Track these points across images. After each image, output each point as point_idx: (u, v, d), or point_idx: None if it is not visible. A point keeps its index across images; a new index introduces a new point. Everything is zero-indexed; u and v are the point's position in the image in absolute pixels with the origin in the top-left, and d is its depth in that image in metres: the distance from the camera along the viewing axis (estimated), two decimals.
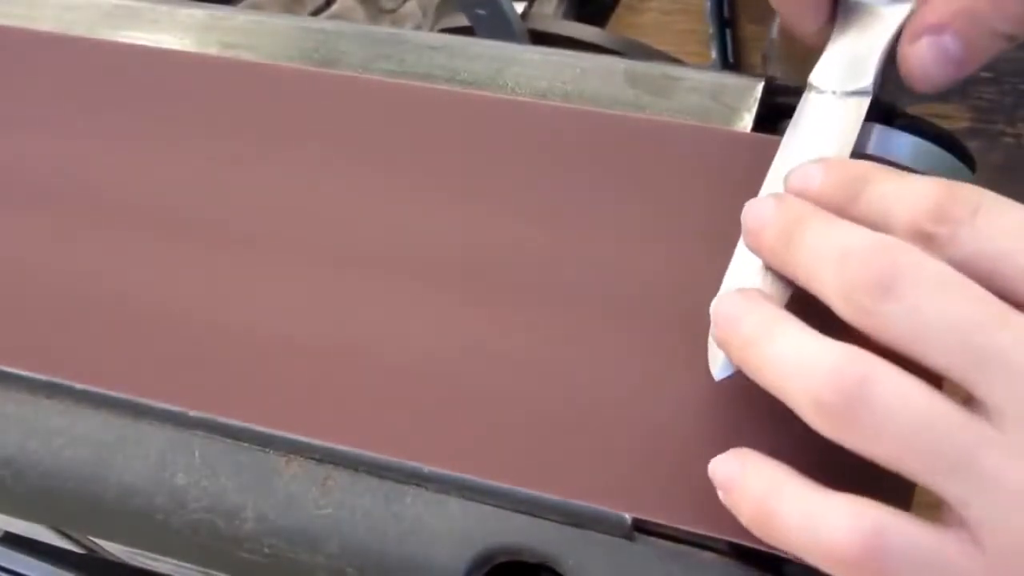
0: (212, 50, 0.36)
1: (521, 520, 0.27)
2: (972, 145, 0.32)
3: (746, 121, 0.32)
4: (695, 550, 0.26)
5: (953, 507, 0.23)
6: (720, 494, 0.25)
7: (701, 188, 0.30)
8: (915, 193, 0.25)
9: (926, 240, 0.24)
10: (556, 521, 0.27)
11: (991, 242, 0.24)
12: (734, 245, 0.29)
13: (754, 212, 0.27)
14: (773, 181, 0.29)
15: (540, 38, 0.43)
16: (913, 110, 0.31)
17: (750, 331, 0.25)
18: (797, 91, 0.31)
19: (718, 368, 0.27)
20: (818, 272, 0.25)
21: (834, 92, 0.30)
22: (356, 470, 0.28)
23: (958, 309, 0.23)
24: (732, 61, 0.58)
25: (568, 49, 0.36)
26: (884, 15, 0.30)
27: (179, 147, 0.34)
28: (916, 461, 0.23)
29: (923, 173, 0.30)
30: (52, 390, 0.31)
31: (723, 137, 0.31)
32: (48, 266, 0.32)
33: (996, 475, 0.22)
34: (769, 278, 0.27)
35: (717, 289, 0.29)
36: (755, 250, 0.27)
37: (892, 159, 0.30)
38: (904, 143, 0.30)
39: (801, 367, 0.24)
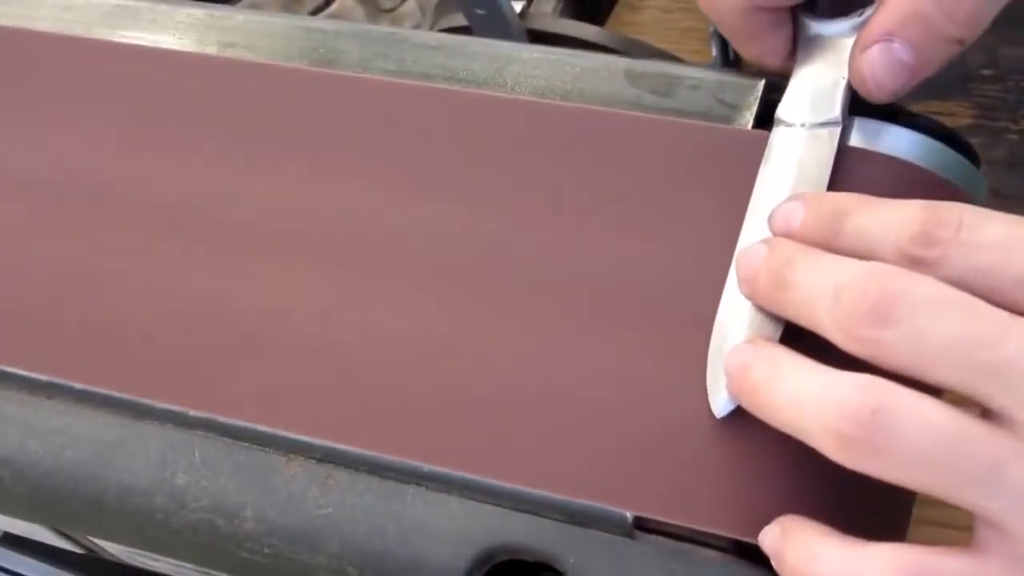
0: (211, 50, 0.36)
1: (522, 519, 0.27)
2: (975, 142, 0.32)
3: (747, 119, 0.32)
4: (696, 548, 0.26)
5: (989, 522, 0.23)
6: (773, 564, 0.25)
7: (702, 186, 0.30)
8: (897, 219, 0.25)
9: (915, 264, 0.24)
10: (557, 520, 0.27)
11: (980, 256, 0.24)
12: (734, 243, 0.29)
13: (745, 260, 0.27)
14: (753, 219, 0.29)
15: (539, 37, 0.43)
16: (916, 108, 0.31)
17: (761, 376, 0.25)
18: None
19: (720, 406, 0.27)
20: (814, 310, 0.25)
21: (803, 125, 0.30)
22: (356, 469, 0.28)
23: (958, 326, 0.23)
24: (733, 59, 0.58)
25: (567, 48, 0.36)
26: (845, 45, 0.30)
27: (178, 146, 0.34)
28: (943, 481, 0.23)
29: (927, 170, 0.30)
30: (52, 390, 0.31)
31: (724, 135, 0.31)
32: (47, 266, 0.32)
33: None
34: (759, 317, 0.27)
35: (719, 286, 0.29)
36: (751, 297, 0.27)
37: (896, 156, 0.30)
38: (907, 140, 0.30)
39: (816, 404, 0.24)
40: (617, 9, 0.55)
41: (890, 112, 0.30)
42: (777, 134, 0.30)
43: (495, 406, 0.28)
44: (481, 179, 0.32)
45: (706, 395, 0.27)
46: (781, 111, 0.31)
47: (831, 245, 0.26)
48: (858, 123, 0.30)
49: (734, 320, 0.28)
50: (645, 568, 0.26)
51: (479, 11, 0.41)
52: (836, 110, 0.30)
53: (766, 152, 0.30)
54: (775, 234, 0.28)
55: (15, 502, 0.31)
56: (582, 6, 0.49)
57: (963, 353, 0.23)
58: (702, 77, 0.33)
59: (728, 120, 0.32)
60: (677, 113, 0.32)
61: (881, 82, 0.29)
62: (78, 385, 0.30)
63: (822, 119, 0.30)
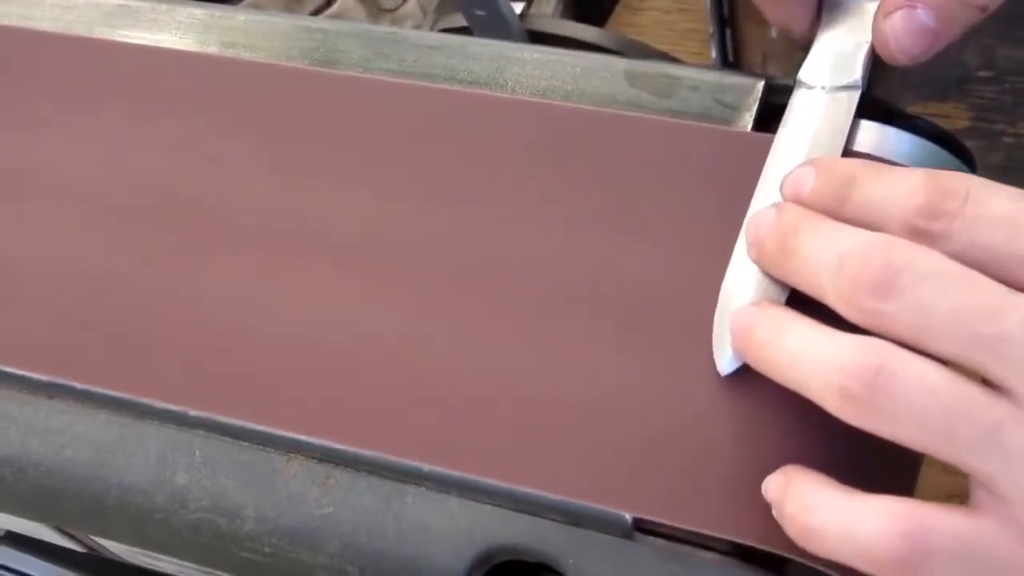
0: (212, 49, 0.36)
1: (521, 519, 0.27)
2: (972, 144, 0.32)
3: (746, 120, 0.32)
4: (695, 550, 0.26)
5: (983, 485, 0.23)
6: (774, 513, 0.26)
7: (701, 187, 0.30)
8: (904, 190, 0.25)
9: (921, 236, 0.25)
10: (556, 520, 0.27)
11: (985, 231, 0.24)
12: (734, 244, 0.29)
13: (754, 225, 0.28)
14: (767, 181, 0.29)
15: (539, 38, 0.43)
16: (913, 110, 0.32)
17: (764, 334, 0.26)
18: None
19: (724, 363, 0.27)
20: (818, 279, 0.25)
21: (823, 88, 0.30)
22: (357, 469, 0.28)
23: (960, 299, 0.23)
24: (732, 60, 0.58)
25: (567, 49, 0.36)
26: (868, 9, 0.31)
27: (179, 146, 0.34)
28: (941, 441, 0.23)
29: None
30: (53, 390, 0.31)
31: (723, 136, 0.31)
32: (48, 266, 0.32)
33: (1021, 448, 0.23)
34: (765, 280, 0.28)
35: (718, 288, 0.29)
36: (758, 262, 0.28)
37: (892, 159, 0.30)
38: (904, 143, 0.30)
39: (818, 361, 0.24)
40: (617, 10, 0.55)
41: (887, 114, 0.31)
42: (798, 96, 0.31)
43: (495, 407, 0.28)
44: (481, 179, 0.32)
45: (707, 396, 0.28)
46: (803, 73, 0.31)
47: (839, 213, 0.26)
48: (856, 125, 0.30)
49: (741, 283, 0.28)
50: (644, 569, 0.26)
51: (479, 12, 0.41)
52: (857, 73, 0.30)
53: (785, 113, 0.31)
54: (785, 199, 0.28)
55: (16, 501, 0.31)
56: (582, 7, 0.49)
57: (963, 326, 0.23)
58: (702, 78, 0.33)
59: (728, 121, 0.32)
60: (677, 114, 0.32)
61: (904, 46, 0.29)
62: (79, 385, 0.30)
63: (842, 82, 0.30)
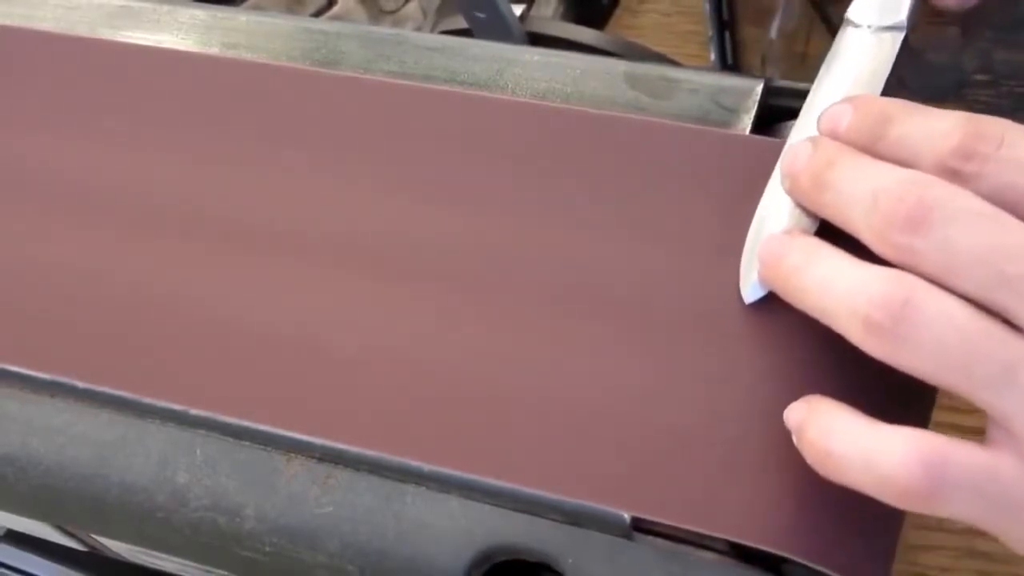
0: (214, 50, 0.36)
1: (521, 519, 0.27)
2: None
3: (745, 122, 0.32)
4: (694, 549, 0.26)
5: (999, 422, 0.24)
6: (794, 440, 0.26)
7: (700, 189, 0.31)
8: (940, 130, 0.26)
9: (953, 176, 0.25)
10: (556, 520, 0.27)
11: (1018, 174, 0.25)
12: (734, 245, 0.29)
13: (790, 157, 0.28)
14: (807, 116, 0.30)
15: (539, 40, 0.43)
16: None
17: (794, 261, 0.27)
18: (796, 92, 0.31)
19: (748, 290, 0.28)
20: (851, 213, 0.26)
21: (869, 27, 0.31)
22: (357, 469, 0.29)
23: (989, 240, 0.24)
24: (731, 63, 0.58)
25: (567, 51, 0.36)
26: None
27: (180, 146, 0.34)
28: (960, 376, 0.24)
29: None
30: (54, 389, 0.31)
31: (722, 139, 0.31)
32: (48, 265, 0.33)
33: None
34: (797, 212, 0.28)
35: (716, 289, 0.29)
36: (791, 194, 0.28)
37: None
38: None
39: (847, 290, 0.25)
40: (617, 13, 0.55)
41: None
42: (843, 34, 0.31)
43: (495, 407, 0.28)
44: (481, 180, 0.32)
45: (706, 395, 0.28)
46: (851, 12, 0.32)
47: (874, 150, 0.27)
48: None
49: (773, 212, 0.29)
50: (643, 569, 0.26)
51: (480, 14, 0.41)
52: (903, 14, 0.31)
53: (831, 50, 0.31)
54: (822, 134, 0.28)
55: (18, 500, 0.31)
56: (582, 10, 0.50)
57: (990, 265, 0.24)
58: (701, 80, 0.33)
59: (727, 123, 0.32)
60: (676, 116, 0.32)
61: None
62: (80, 384, 0.30)
63: (888, 22, 0.31)
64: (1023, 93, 0.48)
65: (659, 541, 0.27)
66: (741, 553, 0.26)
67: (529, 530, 0.27)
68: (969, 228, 0.24)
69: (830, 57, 0.31)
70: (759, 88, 0.32)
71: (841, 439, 0.25)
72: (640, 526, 0.27)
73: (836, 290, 0.25)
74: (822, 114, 0.29)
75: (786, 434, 0.27)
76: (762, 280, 0.28)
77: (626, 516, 0.26)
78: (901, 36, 0.31)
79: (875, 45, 0.31)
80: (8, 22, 0.38)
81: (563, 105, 0.33)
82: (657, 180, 0.31)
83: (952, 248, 0.24)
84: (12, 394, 0.31)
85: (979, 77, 0.48)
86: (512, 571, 0.28)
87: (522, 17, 0.44)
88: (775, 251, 0.27)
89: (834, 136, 0.28)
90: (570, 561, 0.27)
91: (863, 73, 0.30)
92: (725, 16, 0.57)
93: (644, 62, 0.35)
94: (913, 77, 0.37)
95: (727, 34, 0.58)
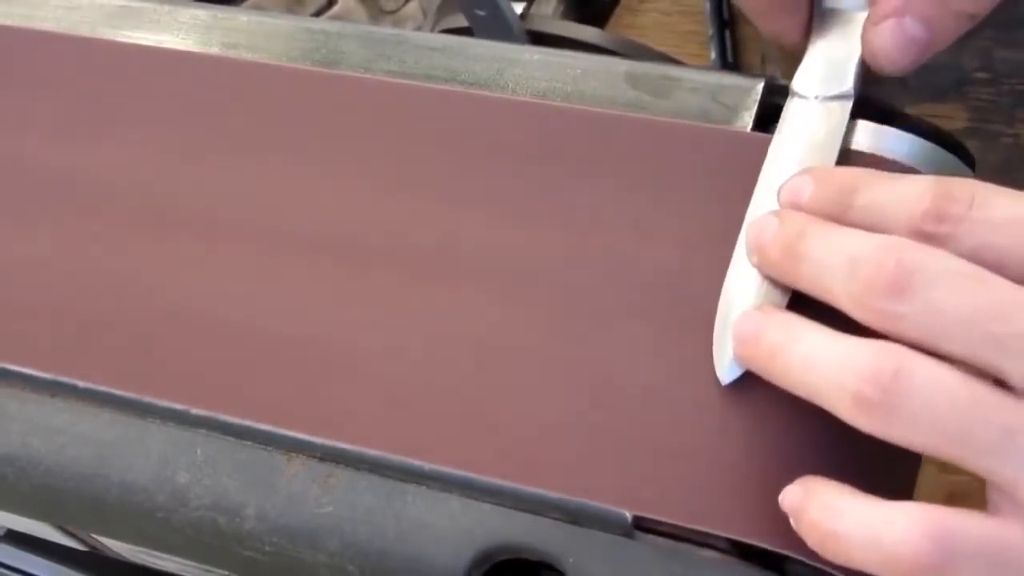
0: (214, 50, 0.36)
1: (522, 518, 0.27)
2: (970, 145, 0.32)
3: (745, 121, 0.32)
4: (696, 548, 0.26)
5: (1001, 489, 0.23)
6: (792, 523, 0.25)
7: (701, 187, 0.31)
8: (909, 195, 0.25)
9: (927, 239, 0.25)
10: (556, 519, 0.27)
11: (992, 234, 0.24)
12: (734, 243, 0.29)
13: (755, 231, 0.28)
14: (763, 190, 0.30)
15: (539, 39, 0.43)
16: (911, 110, 0.32)
17: (775, 340, 0.26)
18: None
19: (724, 371, 0.27)
20: (828, 282, 0.25)
21: (816, 97, 0.31)
22: (357, 468, 0.29)
23: (973, 300, 0.23)
24: (731, 62, 0.58)
25: (568, 50, 0.36)
26: (858, 19, 0.31)
27: (181, 146, 0.34)
28: (958, 446, 0.23)
29: (923, 173, 0.30)
30: (55, 388, 0.31)
31: (723, 137, 0.31)
32: (49, 265, 0.33)
33: None
34: (766, 285, 0.28)
35: (717, 287, 0.29)
36: (760, 267, 0.28)
37: (893, 158, 0.30)
38: (903, 143, 0.30)
39: (832, 365, 0.24)
40: (617, 12, 0.55)
41: (886, 114, 0.31)
42: (791, 106, 0.31)
43: (496, 406, 0.28)
44: (482, 179, 0.32)
45: (706, 393, 0.28)
46: (795, 83, 0.31)
47: (843, 219, 0.26)
48: (855, 126, 0.30)
49: (742, 289, 0.28)
50: (644, 568, 0.26)
51: (480, 13, 0.41)
52: (849, 83, 0.30)
53: (779, 123, 0.31)
54: (783, 207, 0.28)
55: (18, 500, 0.31)
56: (582, 8, 0.50)
57: (977, 325, 0.23)
58: (701, 79, 0.33)
59: (727, 122, 0.32)
60: (677, 115, 0.32)
61: (893, 57, 0.30)
62: (81, 383, 0.30)
63: (835, 92, 0.30)
64: (1023, 91, 0.48)
65: (660, 540, 0.27)
66: (743, 551, 0.26)
67: (530, 529, 0.27)
68: (952, 289, 0.23)
69: (779, 128, 0.31)
70: (759, 87, 0.32)
71: (844, 519, 0.24)
72: (641, 525, 0.27)
73: (821, 367, 0.24)
74: (782, 187, 0.28)
75: (787, 433, 0.27)
76: (739, 359, 0.27)
77: (627, 515, 0.26)
78: (850, 104, 0.30)
79: (824, 115, 0.30)
80: (8, 22, 0.38)
81: (564, 104, 0.33)
82: (658, 178, 0.31)
83: (937, 311, 0.23)
84: (12, 394, 0.31)
85: (979, 75, 0.48)
86: (513, 570, 0.28)
87: (522, 15, 0.44)
88: (751, 329, 0.26)
89: (797, 208, 0.27)
90: (571, 560, 0.27)
91: (815, 144, 0.30)
92: (725, 15, 0.57)
93: (645, 61, 0.35)
94: (913, 76, 0.37)
95: (727, 33, 0.58)
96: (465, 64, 0.34)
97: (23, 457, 0.30)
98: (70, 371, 0.31)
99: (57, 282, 0.32)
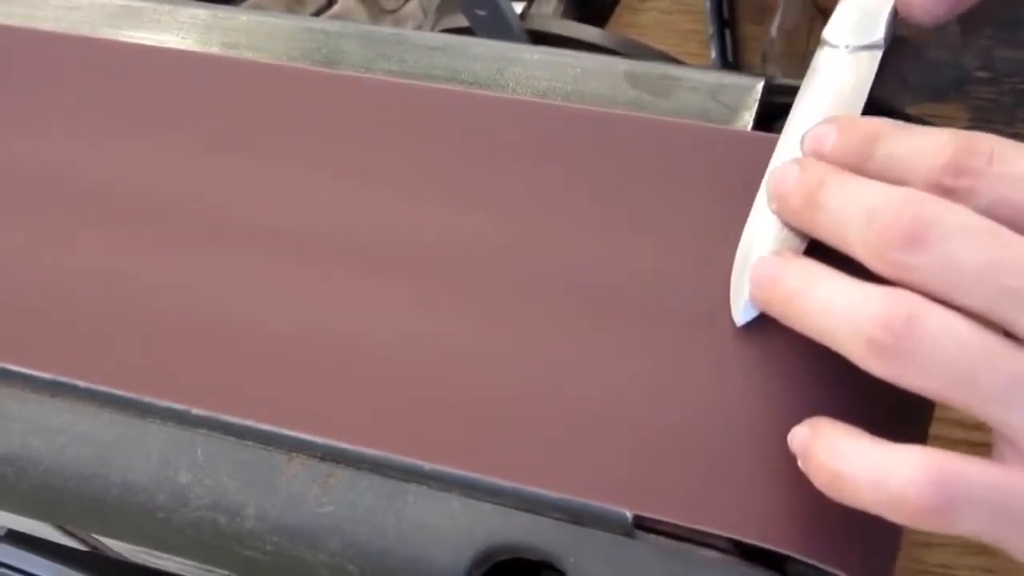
0: (214, 50, 0.36)
1: (522, 518, 0.27)
2: None
3: (746, 120, 0.32)
4: (696, 548, 0.26)
5: (1006, 436, 0.24)
6: (799, 463, 0.26)
7: (701, 186, 0.31)
8: (929, 148, 0.26)
9: (946, 193, 0.25)
10: (557, 519, 0.27)
11: (1010, 189, 0.25)
12: (734, 242, 0.29)
13: (776, 178, 0.28)
14: (788, 137, 0.30)
15: (540, 38, 0.43)
16: (912, 110, 0.32)
17: (792, 283, 0.26)
18: (796, 90, 0.31)
19: (739, 313, 0.28)
20: (845, 232, 0.26)
21: (846, 47, 0.31)
22: (358, 468, 0.29)
23: (987, 254, 0.24)
24: (731, 61, 0.58)
25: (567, 49, 0.36)
26: None
27: (181, 146, 0.34)
28: (966, 392, 0.24)
29: None
30: (55, 388, 0.31)
31: (723, 136, 0.31)
32: (50, 265, 0.33)
33: None
34: (785, 231, 0.28)
35: (718, 285, 0.29)
36: (781, 215, 0.28)
37: None
38: None
39: (848, 310, 0.25)
40: (617, 11, 0.55)
41: (887, 114, 0.31)
42: (821, 55, 0.31)
43: (496, 405, 0.28)
44: (482, 179, 0.32)
45: (707, 393, 0.28)
46: (826, 32, 0.31)
47: (861, 169, 0.27)
48: None
49: (761, 234, 0.29)
50: (645, 567, 0.26)
51: (480, 12, 0.41)
52: (880, 33, 0.31)
53: (808, 72, 0.31)
54: (806, 155, 0.28)
55: (18, 500, 0.31)
56: (583, 8, 0.50)
57: (989, 279, 0.24)
58: (702, 78, 0.33)
59: (727, 121, 0.32)
60: (677, 114, 0.32)
61: (927, 7, 0.30)
62: (81, 383, 0.30)
63: (865, 42, 0.31)
64: None
65: (661, 539, 0.27)
66: (743, 551, 0.26)
67: (530, 529, 0.27)
68: (967, 243, 0.24)
69: (808, 77, 0.31)
70: (759, 86, 0.32)
71: (849, 460, 0.24)
72: (642, 524, 0.27)
73: (837, 311, 0.25)
74: (805, 135, 0.28)
75: (788, 432, 0.26)
76: (755, 302, 0.28)
77: (628, 514, 0.26)
78: (879, 55, 0.30)
79: (853, 65, 0.30)
80: (9, 22, 0.38)
81: (564, 103, 0.33)
82: (658, 177, 0.31)
83: (951, 264, 0.24)
84: (13, 394, 0.31)
85: (980, 74, 0.48)
86: (513, 570, 0.28)
87: (523, 15, 0.44)
88: (769, 273, 0.27)
89: (819, 157, 0.28)
90: (572, 560, 0.27)
91: (843, 93, 0.30)
92: (725, 14, 0.57)
93: (645, 60, 0.35)
94: (914, 75, 0.37)
95: (727, 32, 0.58)
96: (465, 63, 0.34)
97: (23, 457, 0.30)
98: (70, 371, 0.31)
99: (57, 282, 0.32)
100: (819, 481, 0.25)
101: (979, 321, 0.24)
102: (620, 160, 0.31)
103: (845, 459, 0.24)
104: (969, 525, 0.24)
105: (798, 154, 0.29)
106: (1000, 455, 0.24)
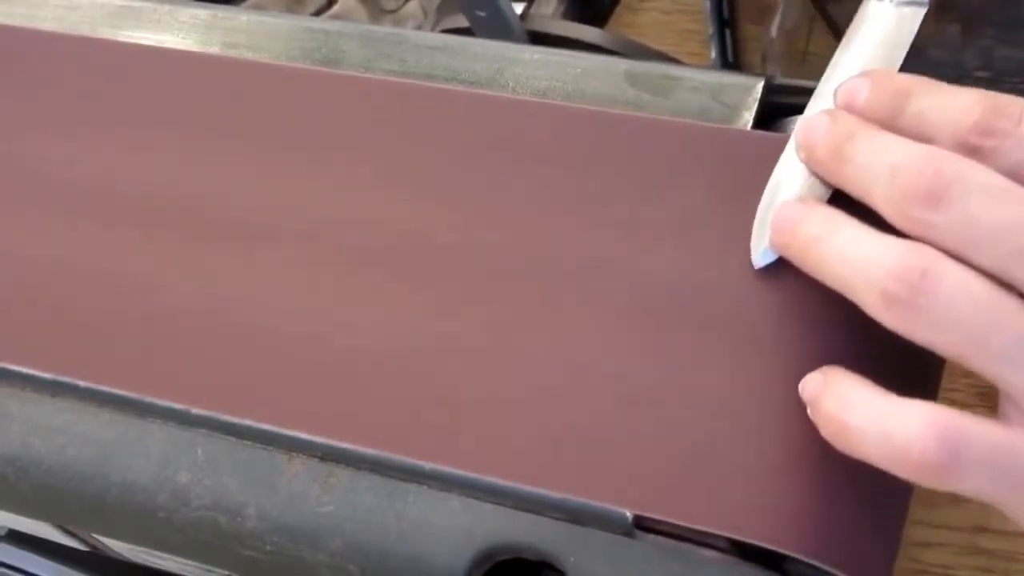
0: (214, 50, 0.36)
1: (522, 518, 0.27)
2: None
3: (746, 120, 0.32)
4: (696, 548, 0.26)
5: (1012, 397, 0.24)
6: (808, 411, 0.26)
7: (701, 186, 0.31)
8: (958, 106, 0.26)
9: (972, 152, 0.25)
10: (557, 519, 0.27)
11: None
12: (734, 242, 0.29)
13: (806, 128, 0.28)
14: (825, 88, 0.30)
15: (540, 39, 0.43)
16: None
17: (813, 230, 0.27)
18: (796, 90, 0.31)
19: (759, 256, 0.28)
20: (869, 185, 0.26)
21: (891, 1, 0.31)
22: (358, 468, 0.29)
23: (1006, 215, 0.24)
24: (731, 61, 0.58)
25: (568, 50, 0.36)
26: None
27: (182, 146, 0.34)
28: (975, 348, 0.24)
29: None
30: (55, 388, 0.31)
31: (723, 136, 0.31)
32: (49, 264, 0.33)
33: None
34: (811, 179, 0.28)
35: (719, 285, 0.29)
36: (808, 164, 0.28)
37: None
38: None
39: (865, 261, 0.25)
40: (617, 11, 0.55)
41: None
42: (865, 9, 0.31)
43: (496, 405, 0.28)
44: (482, 178, 0.32)
45: (707, 393, 0.28)
46: None
47: (892, 125, 0.27)
48: None
49: (788, 179, 0.29)
50: (645, 567, 0.26)
51: (480, 13, 0.41)
52: None
53: (852, 24, 0.31)
54: (839, 107, 0.28)
55: (19, 499, 0.31)
56: (582, 8, 0.50)
57: (1006, 239, 0.24)
58: (702, 78, 0.33)
59: (727, 121, 0.32)
60: (677, 114, 0.32)
61: None
62: (81, 383, 0.30)
63: None
64: None
65: (661, 539, 0.27)
66: (743, 551, 0.26)
67: (531, 529, 0.27)
68: (987, 203, 0.24)
69: (850, 30, 0.31)
70: (759, 86, 0.32)
71: (857, 411, 0.25)
72: (642, 524, 0.27)
73: (854, 261, 0.25)
74: (839, 87, 0.29)
75: (788, 432, 0.27)
76: (775, 247, 0.28)
77: (628, 514, 0.26)
78: (922, 12, 0.31)
79: (895, 20, 0.31)
80: (9, 22, 0.38)
81: (564, 103, 0.33)
82: (658, 177, 0.31)
83: (970, 223, 0.24)
84: (13, 394, 0.31)
85: (980, 74, 0.48)
86: (514, 570, 0.28)
87: (523, 15, 0.44)
88: (791, 218, 0.27)
89: (851, 110, 0.28)
90: (572, 560, 0.27)
91: (882, 48, 0.30)
92: (725, 14, 0.57)
93: (645, 60, 0.35)
94: (914, 73, 0.37)
95: (727, 32, 0.58)
96: (466, 63, 0.35)
97: (24, 457, 0.30)
98: (70, 371, 0.31)
99: (57, 282, 0.32)
100: (826, 431, 0.25)
101: (996, 282, 0.24)
102: (620, 160, 0.31)
103: (853, 410, 0.25)
104: (970, 484, 0.24)
105: (831, 105, 0.29)
106: (1005, 415, 0.25)
